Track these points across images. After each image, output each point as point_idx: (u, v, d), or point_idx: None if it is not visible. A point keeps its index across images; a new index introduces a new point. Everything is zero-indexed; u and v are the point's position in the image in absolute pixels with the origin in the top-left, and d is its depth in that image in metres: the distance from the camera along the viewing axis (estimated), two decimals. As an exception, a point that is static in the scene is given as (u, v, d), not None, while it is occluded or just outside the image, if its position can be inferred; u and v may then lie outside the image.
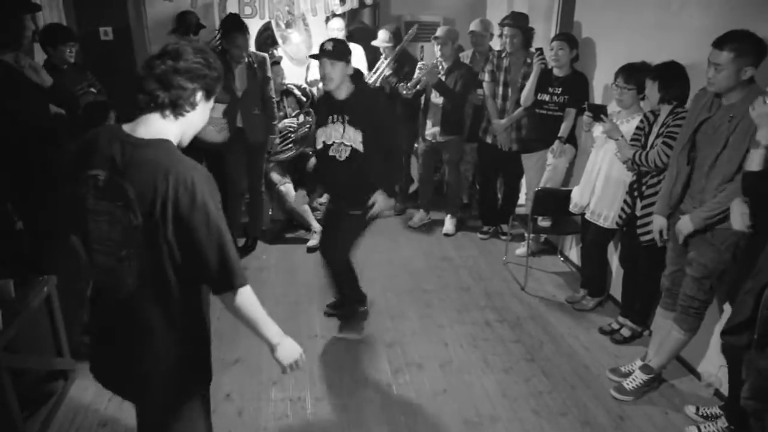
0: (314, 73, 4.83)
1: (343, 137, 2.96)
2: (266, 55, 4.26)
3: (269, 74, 4.17)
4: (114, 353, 1.66)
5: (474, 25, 4.65)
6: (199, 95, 1.53)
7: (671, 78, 2.79)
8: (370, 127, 2.92)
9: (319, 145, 3.06)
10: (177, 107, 1.50)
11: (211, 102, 1.61)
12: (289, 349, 1.70)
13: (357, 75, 3.01)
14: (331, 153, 3.00)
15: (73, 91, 3.34)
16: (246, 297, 1.57)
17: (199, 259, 1.46)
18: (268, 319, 1.65)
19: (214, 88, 1.57)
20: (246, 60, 3.99)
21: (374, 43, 4.78)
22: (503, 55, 4.29)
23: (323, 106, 3.09)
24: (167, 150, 1.48)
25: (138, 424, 1.82)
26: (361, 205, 3.03)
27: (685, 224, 2.56)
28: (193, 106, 1.53)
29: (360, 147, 2.93)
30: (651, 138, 2.92)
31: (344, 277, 3.32)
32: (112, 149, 1.47)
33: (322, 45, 2.89)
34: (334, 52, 2.85)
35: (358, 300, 3.48)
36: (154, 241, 1.45)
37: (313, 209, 4.70)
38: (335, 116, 2.98)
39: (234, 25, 3.86)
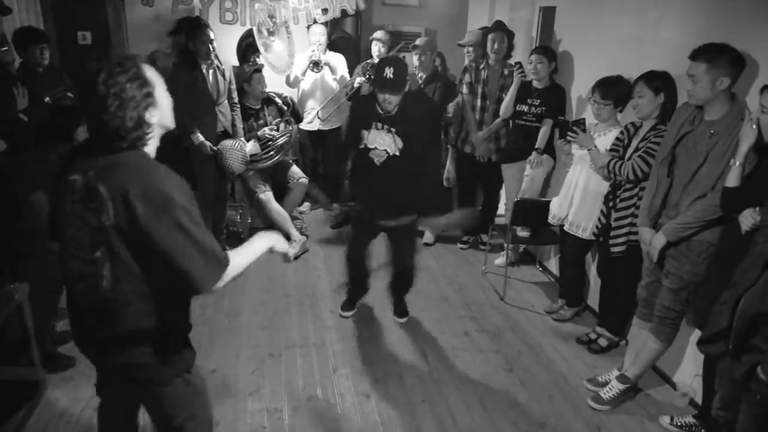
0: (295, 72, 4.84)
1: (386, 145, 3.07)
2: (232, 64, 4.41)
3: (233, 83, 4.29)
4: (95, 350, 1.69)
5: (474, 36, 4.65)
6: (147, 114, 1.53)
7: (675, 92, 2.79)
8: (412, 135, 3.05)
9: (361, 146, 3.14)
10: (140, 139, 1.54)
11: (161, 99, 1.58)
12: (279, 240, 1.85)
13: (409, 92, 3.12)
14: (370, 155, 3.11)
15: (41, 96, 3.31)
16: (234, 266, 1.60)
17: (172, 262, 1.47)
18: (252, 247, 1.74)
19: (152, 93, 1.54)
20: (215, 64, 4.09)
21: (372, 37, 4.86)
22: (481, 66, 4.33)
23: (368, 112, 3.11)
24: (141, 157, 1.54)
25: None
26: (396, 214, 3.22)
27: (659, 238, 2.60)
28: (149, 125, 1.54)
29: (396, 152, 3.05)
30: (629, 151, 2.95)
31: (407, 282, 3.59)
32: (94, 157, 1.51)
33: (383, 75, 2.92)
34: (396, 85, 2.94)
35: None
36: (124, 243, 1.48)
37: (293, 218, 4.68)
38: (381, 125, 3.07)
39: (195, 23, 4.01)
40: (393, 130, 3.04)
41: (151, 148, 1.59)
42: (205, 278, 1.51)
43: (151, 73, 1.55)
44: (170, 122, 1.64)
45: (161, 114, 1.58)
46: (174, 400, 1.73)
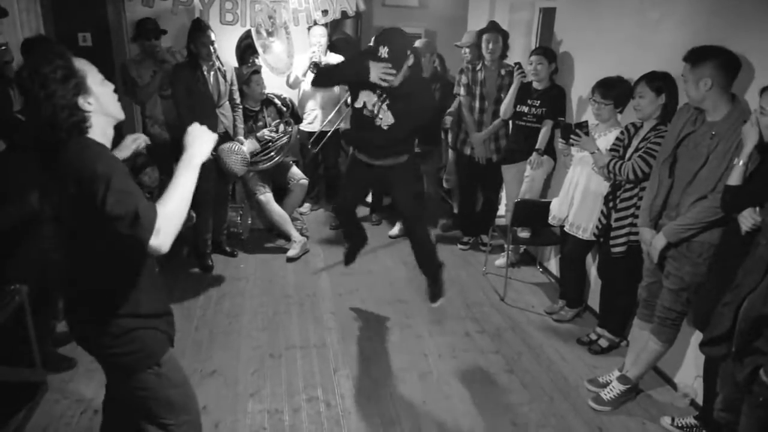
0: (296, 73, 4.84)
1: (378, 111, 3.04)
2: (233, 65, 4.38)
3: (235, 84, 4.28)
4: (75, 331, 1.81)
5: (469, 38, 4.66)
6: (80, 100, 1.55)
7: (676, 92, 2.79)
8: (406, 118, 3.03)
9: (359, 105, 3.10)
10: (78, 129, 1.57)
11: (96, 86, 1.61)
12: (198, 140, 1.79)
13: (415, 65, 3.07)
14: (365, 113, 3.08)
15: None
16: (164, 226, 1.50)
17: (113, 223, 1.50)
18: (178, 187, 1.59)
19: (82, 82, 1.56)
20: (216, 65, 4.09)
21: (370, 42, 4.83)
22: (478, 68, 4.33)
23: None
24: (80, 143, 1.57)
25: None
26: (398, 154, 3.17)
27: (659, 239, 2.60)
28: (84, 112, 1.56)
29: (385, 126, 3.05)
30: (629, 151, 2.96)
31: (426, 245, 3.37)
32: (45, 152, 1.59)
33: (378, 55, 2.89)
34: (393, 62, 2.89)
35: (439, 265, 3.46)
36: (76, 224, 1.60)
37: (293, 219, 4.67)
38: (379, 91, 3.03)
39: (195, 26, 4.01)
40: (387, 101, 3.02)
41: (95, 135, 1.60)
42: (139, 235, 1.50)
43: (80, 64, 1.58)
44: (116, 112, 1.67)
45: (99, 102, 1.60)
46: (146, 391, 1.78)
